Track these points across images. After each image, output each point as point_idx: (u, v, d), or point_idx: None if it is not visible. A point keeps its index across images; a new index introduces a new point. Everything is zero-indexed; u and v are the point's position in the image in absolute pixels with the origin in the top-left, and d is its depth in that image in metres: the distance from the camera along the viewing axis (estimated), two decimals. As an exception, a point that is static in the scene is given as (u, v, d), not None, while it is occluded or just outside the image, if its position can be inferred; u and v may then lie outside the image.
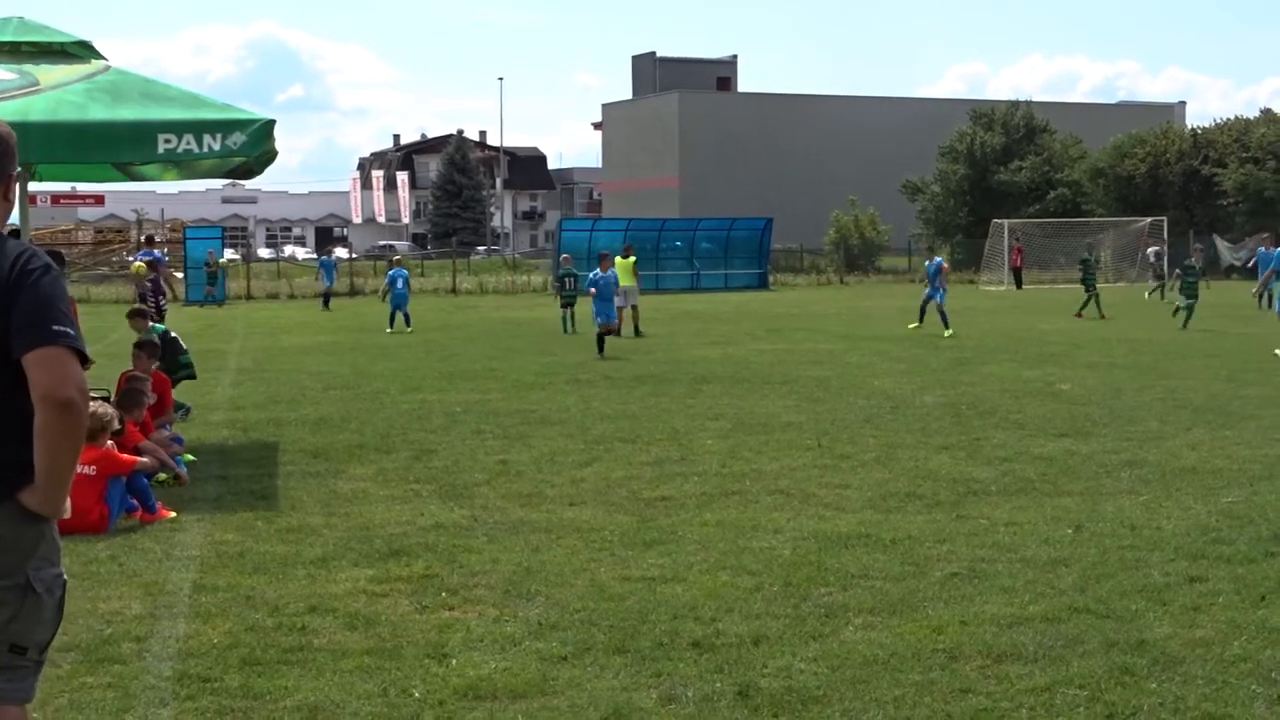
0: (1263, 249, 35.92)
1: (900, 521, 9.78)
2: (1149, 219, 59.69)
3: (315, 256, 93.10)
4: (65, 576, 4.07)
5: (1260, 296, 32.18)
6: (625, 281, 29.01)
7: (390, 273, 33.83)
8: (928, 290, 29.90)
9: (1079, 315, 33.96)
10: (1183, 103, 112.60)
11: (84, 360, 3.87)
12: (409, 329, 31.37)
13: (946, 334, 27.83)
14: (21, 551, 3.90)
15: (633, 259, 30.92)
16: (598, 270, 26.07)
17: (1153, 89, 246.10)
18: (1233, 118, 71.56)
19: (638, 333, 29.00)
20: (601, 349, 23.88)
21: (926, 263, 31.63)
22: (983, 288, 56.45)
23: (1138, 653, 6.59)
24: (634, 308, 29.50)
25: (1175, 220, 61.73)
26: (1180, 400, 16.71)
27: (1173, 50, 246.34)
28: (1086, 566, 8.35)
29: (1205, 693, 6.06)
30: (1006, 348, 25.10)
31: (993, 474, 11.70)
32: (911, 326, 30.12)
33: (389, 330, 31.37)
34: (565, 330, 30.21)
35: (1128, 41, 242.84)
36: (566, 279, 32.00)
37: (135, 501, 10.07)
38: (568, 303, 31.08)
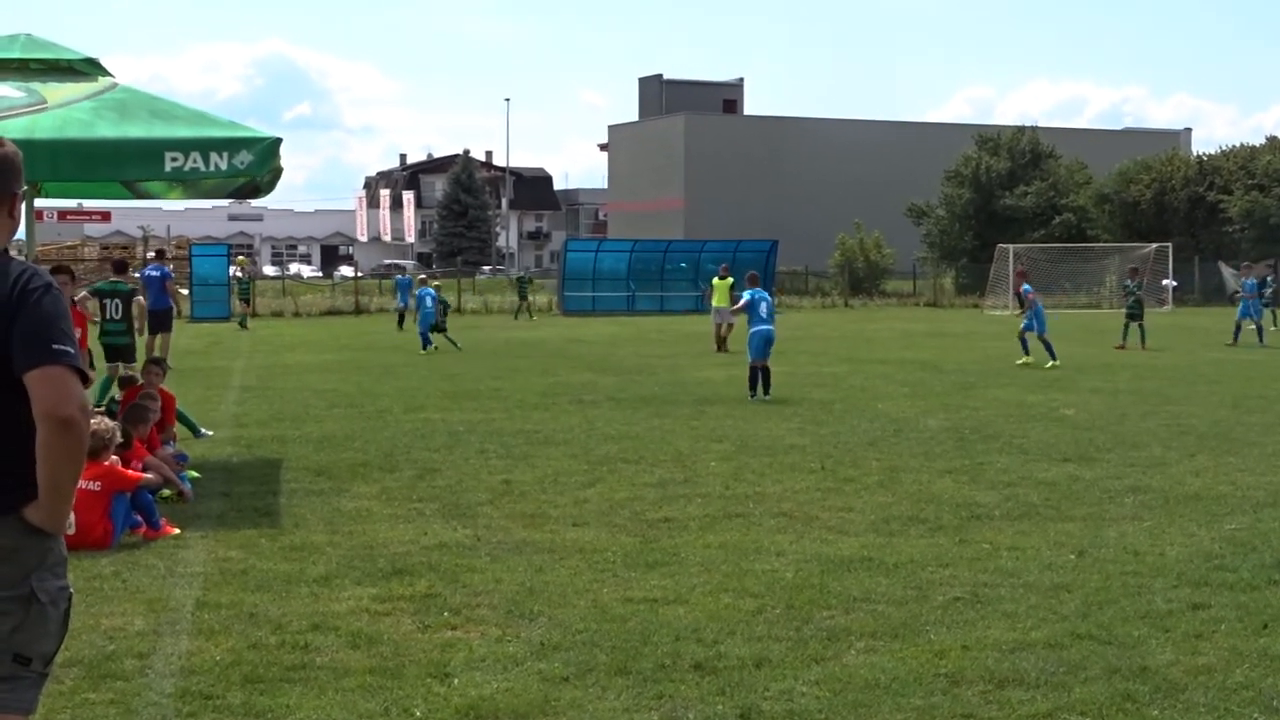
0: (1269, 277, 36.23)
1: (903, 545, 9.78)
2: (1154, 245, 59.72)
3: (319, 274, 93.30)
4: (71, 590, 4.09)
5: None
6: (720, 302, 31.19)
7: (419, 292, 33.56)
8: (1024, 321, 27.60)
9: (1140, 346, 31.72)
10: (1188, 129, 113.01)
11: (84, 379, 3.91)
12: (425, 349, 31.14)
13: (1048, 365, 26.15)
14: (25, 563, 3.92)
15: (730, 280, 31.91)
16: (758, 289, 21.38)
17: (1159, 115, 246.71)
18: (1239, 145, 71.65)
19: (725, 348, 30.63)
20: (768, 387, 20.29)
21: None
22: (987, 312, 56.48)
23: (1140, 679, 6.59)
24: (731, 325, 31.02)
25: (1180, 246, 61.76)
26: (1184, 426, 16.70)
27: (1179, 76, 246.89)
28: (1089, 592, 8.34)
29: (1207, 720, 6.06)
30: (1010, 372, 25.09)
31: (996, 498, 11.70)
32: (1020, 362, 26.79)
33: (424, 351, 30.77)
34: (457, 346, 31.45)
35: (1134, 67, 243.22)
36: (443, 305, 33.44)
37: (139, 518, 10.09)
38: (441, 327, 32.31)
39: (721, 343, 31.28)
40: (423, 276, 40.99)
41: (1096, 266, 62.50)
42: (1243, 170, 66.83)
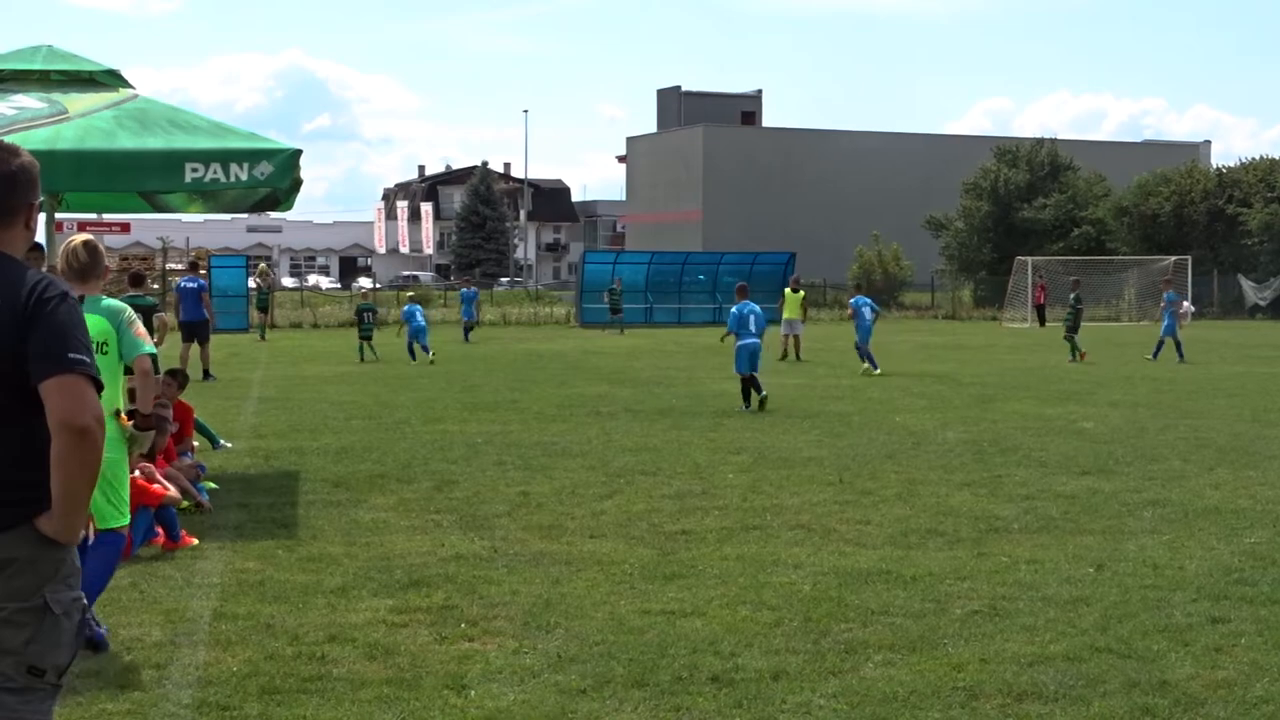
0: None
1: (921, 558, 9.75)
2: (1173, 258, 59.57)
3: (337, 285, 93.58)
4: (85, 601, 4.09)
5: None
6: (791, 314, 32.96)
7: (406, 308, 34.30)
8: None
9: (1080, 358, 31.92)
10: (1208, 142, 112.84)
11: (100, 388, 3.91)
12: (430, 358, 31.43)
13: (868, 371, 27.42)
14: (40, 574, 3.92)
15: (802, 293, 33.91)
16: (747, 302, 21.38)
17: (1179, 127, 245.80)
18: (1258, 157, 71.43)
19: (799, 358, 32.10)
20: (760, 394, 20.19)
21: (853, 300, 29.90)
22: (1005, 324, 56.40)
23: (1159, 693, 6.56)
24: (797, 337, 32.79)
25: (1199, 259, 61.62)
26: (1203, 440, 16.63)
27: (1199, 88, 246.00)
28: (1108, 606, 8.31)
29: (1227, 735, 6.02)
30: (1029, 385, 25.04)
31: (1014, 511, 11.66)
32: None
33: (413, 362, 31.33)
34: (363, 359, 32.04)
35: (1154, 79, 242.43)
36: (365, 313, 34.26)
37: (158, 529, 10.09)
38: (365, 335, 33.15)
39: (786, 355, 32.28)
40: (411, 294, 41.90)
41: (1115, 279, 62.36)
42: (1262, 183, 66.62)
